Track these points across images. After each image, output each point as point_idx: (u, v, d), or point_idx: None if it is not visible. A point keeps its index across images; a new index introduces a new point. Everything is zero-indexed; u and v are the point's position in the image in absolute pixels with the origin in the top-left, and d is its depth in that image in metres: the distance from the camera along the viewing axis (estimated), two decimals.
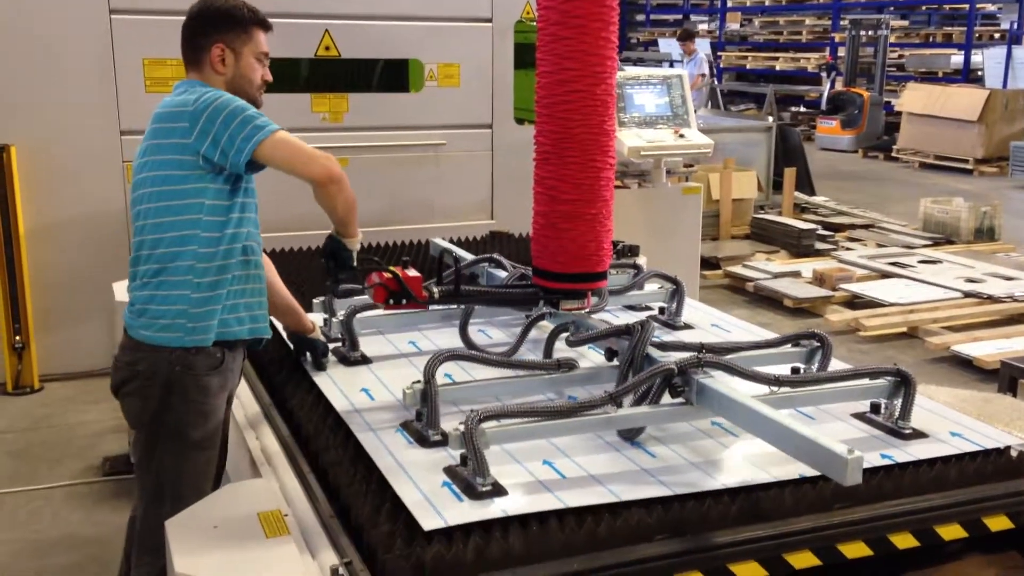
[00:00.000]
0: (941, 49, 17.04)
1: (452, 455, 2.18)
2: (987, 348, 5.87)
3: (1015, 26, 16.92)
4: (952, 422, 2.48)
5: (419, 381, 2.34)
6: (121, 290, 3.86)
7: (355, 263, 2.66)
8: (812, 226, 8.82)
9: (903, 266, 7.80)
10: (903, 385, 2.42)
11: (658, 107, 6.06)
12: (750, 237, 8.90)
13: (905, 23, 18.84)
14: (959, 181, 12.82)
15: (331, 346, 2.96)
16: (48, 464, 4.40)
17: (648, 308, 3.45)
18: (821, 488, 2.08)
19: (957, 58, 16.47)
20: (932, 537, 2.10)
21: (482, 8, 5.72)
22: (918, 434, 2.39)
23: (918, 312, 6.67)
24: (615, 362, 2.61)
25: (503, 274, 3.37)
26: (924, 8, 19.34)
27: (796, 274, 7.63)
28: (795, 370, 2.66)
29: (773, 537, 1.98)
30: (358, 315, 3.00)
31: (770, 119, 10.59)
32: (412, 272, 2.73)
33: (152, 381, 2.49)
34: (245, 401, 2.90)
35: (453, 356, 2.53)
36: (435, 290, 2.83)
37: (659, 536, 1.94)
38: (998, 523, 2.16)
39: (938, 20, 18.91)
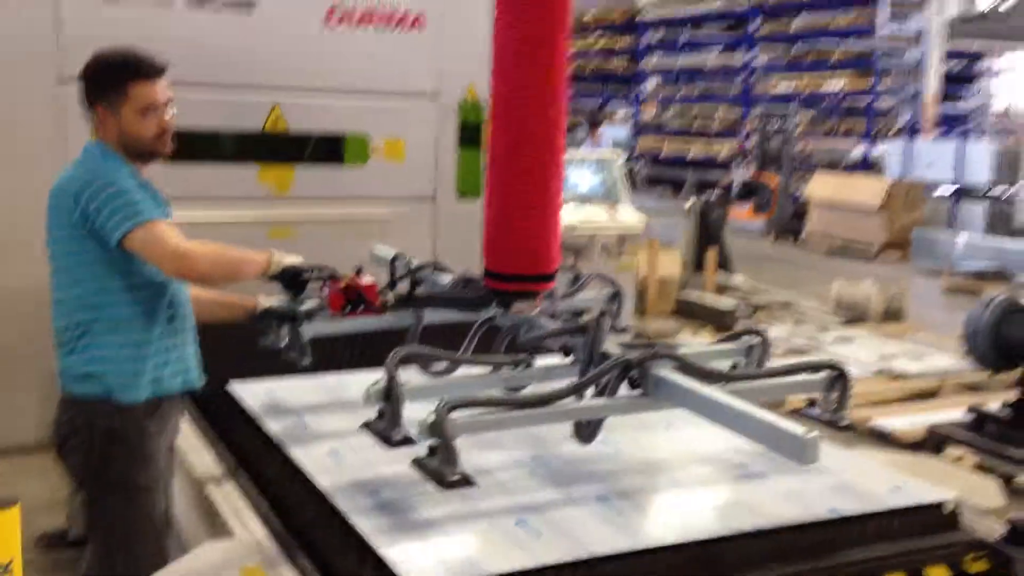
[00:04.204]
0: (844, 141, 18.04)
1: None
2: (902, 423, 6.17)
3: (912, 122, 18.08)
4: (891, 480, 2.66)
5: (380, 380, 2.34)
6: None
7: (302, 275, 2.68)
8: (735, 304, 9.16)
9: (819, 344, 8.15)
10: (839, 378, 2.56)
11: (591, 187, 6.33)
12: (676, 314, 9.20)
13: (812, 112, 19.86)
14: (864, 266, 13.46)
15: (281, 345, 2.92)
16: None
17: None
18: (773, 539, 2.22)
19: (859, 150, 17.46)
20: None
21: (428, 86, 5.92)
22: (851, 427, 2.57)
23: None
24: (570, 359, 2.66)
25: (447, 278, 3.32)
26: (824, 104, 20.41)
27: None
28: (734, 366, 2.76)
29: None
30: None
31: (691, 200, 11.01)
32: (367, 279, 2.74)
33: (91, 433, 2.53)
34: (208, 459, 2.89)
35: (412, 354, 2.54)
36: (390, 295, 2.85)
37: None
38: (938, 574, 2.32)
39: (840, 113, 19.99)
